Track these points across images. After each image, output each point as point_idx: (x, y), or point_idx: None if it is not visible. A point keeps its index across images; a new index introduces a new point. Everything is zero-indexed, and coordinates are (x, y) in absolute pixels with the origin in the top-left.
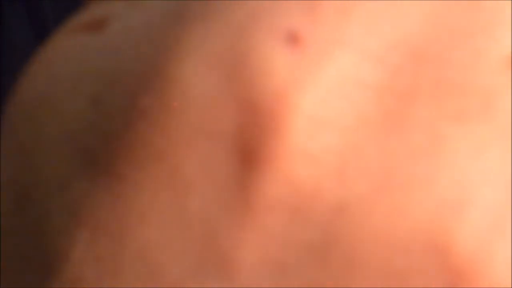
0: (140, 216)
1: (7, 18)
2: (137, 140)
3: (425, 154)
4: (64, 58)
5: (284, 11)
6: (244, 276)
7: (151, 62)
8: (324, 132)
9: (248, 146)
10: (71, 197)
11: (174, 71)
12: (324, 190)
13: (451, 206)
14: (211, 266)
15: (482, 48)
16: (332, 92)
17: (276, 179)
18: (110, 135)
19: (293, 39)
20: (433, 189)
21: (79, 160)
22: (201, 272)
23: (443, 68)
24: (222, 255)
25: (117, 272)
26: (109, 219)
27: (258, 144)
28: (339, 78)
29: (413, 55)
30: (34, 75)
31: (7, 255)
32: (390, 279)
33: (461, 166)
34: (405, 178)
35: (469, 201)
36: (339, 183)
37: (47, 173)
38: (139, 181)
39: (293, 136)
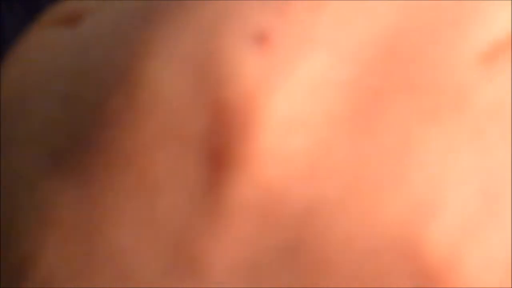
0: (110, 218)
1: (5, 18)
2: (106, 141)
3: (396, 155)
4: (36, 54)
5: (253, 11)
6: (216, 279)
7: (120, 63)
8: (294, 133)
9: (218, 148)
10: (40, 197)
11: (143, 72)
12: (294, 192)
13: (423, 208)
14: (182, 269)
15: (454, 44)
16: (302, 92)
17: (246, 181)
18: (79, 136)
19: (262, 38)
20: (404, 191)
21: (49, 160)
22: (173, 274)
23: (415, 66)
24: (194, 258)
25: (89, 273)
26: (80, 220)
27: (228, 146)
28: (309, 78)
29: (385, 53)
30: (8, 72)
31: None
32: (360, 282)
33: (433, 167)
34: (375, 180)
35: (441, 203)
36: (309, 184)
37: (16, 171)
38: (109, 183)
39: (262, 138)
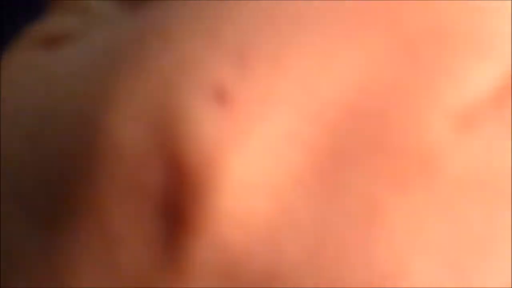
0: (72, 267)
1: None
2: (68, 187)
3: (360, 222)
4: (12, 81)
5: (213, 63)
6: None
7: (83, 105)
8: (253, 195)
9: (176, 207)
10: (6, 240)
11: (104, 120)
12: (254, 255)
13: (385, 278)
14: None
15: (424, 107)
16: (263, 153)
17: (204, 242)
18: (44, 180)
19: (221, 95)
20: (367, 260)
21: (14, 203)
22: None
23: (381, 127)
24: None
25: None
26: (43, 267)
27: (184, 205)
28: (271, 138)
29: (350, 113)
30: None
31: None
32: None
33: (398, 237)
34: (338, 246)
35: (404, 274)
36: (270, 248)
37: None
38: (73, 231)
39: (220, 199)
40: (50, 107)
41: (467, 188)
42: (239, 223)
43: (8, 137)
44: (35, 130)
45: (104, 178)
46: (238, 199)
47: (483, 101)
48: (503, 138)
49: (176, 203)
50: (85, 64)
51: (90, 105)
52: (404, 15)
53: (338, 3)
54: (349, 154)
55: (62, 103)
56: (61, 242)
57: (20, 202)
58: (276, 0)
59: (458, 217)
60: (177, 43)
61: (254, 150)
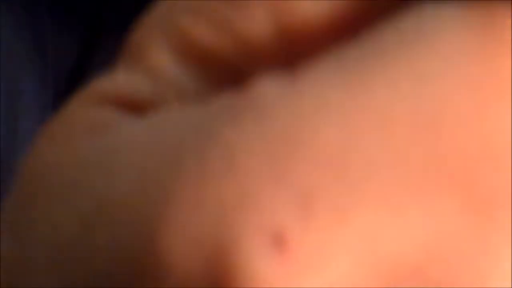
0: None
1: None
2: None
3: None
4: (70, 143)
5: (276, 205)
6: None
7: (144, 212)
8: None
9: None
10: None
11: (160, 239)
12: None
13: None
14: None
15: (487, 273)
16: None
17: None
18: (88, 270)
19: (280, 242)
20: None
21: (53, 277)
22: None
23: None
24: None
25: None
26: None
27: None
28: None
29: (411, 273)
30: (39, 151)
31: None
32: None
33: None
34: None
35: None
36: None
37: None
38: None
39: None
40: (109, 197)
41: None
42: None
43: (60, 211)
44: (90, 218)
45: None
46: None
47: None
48: None
49: None
50: (152, 149)
51: (149, 214)
52: (481, 175)
53: (413, 153)
54: None
55: (123, 199)
56: None
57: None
58: (349, 142)
59: None
60: (241, 172)
61: None
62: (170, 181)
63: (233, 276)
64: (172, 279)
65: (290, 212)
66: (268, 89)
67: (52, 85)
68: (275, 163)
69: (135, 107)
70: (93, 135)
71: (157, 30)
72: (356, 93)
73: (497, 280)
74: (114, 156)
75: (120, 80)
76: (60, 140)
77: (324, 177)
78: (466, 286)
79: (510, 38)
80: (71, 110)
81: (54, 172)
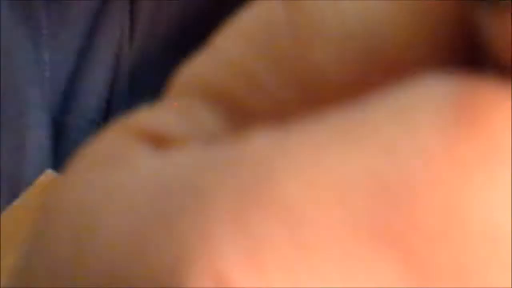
0: None
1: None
2: None
3: None
4: (100, 172)
5: (226, 250)
6: None
7: (165, 267)
8: None
9: None
10: None
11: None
12: None
13: None
14: None
15: None
16: None
17: None
18: None
19: (221, 286)
20: None
21: None
22: None
23: None
24: None
25: None
26: None
27: None
28: None
29: None
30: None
31: None
32: None
33: None
34: None
35: None
36: None
37: None
38: None
39: None
40: (130, 239)
41: None
42: None
43: (86, 247)
44: (121, 267)
45: None
46: None
47: None
48: None
49: None
50: (176, 187)
51: (170, 269)
52: (421, 248)
53: (364, 218)
54: None
55: (144, 242)
56: None
57: None
58: (304, 198)
59: None
60: (207, 213)
61: None
62: (191, 225)
63: None
64: None
65: (237, 260)
66: (257, 141)
67: (52, 85)
68: (237, 211)
69: (159, 141)
70: (111, 167)
71: (192, 85)
72: (323, 154)
73: None
74: (143, 188)
75: (152, 115)
76: (82, 169)
77: (277, 230)
78: None
79: (484, 123)
80: (100, 138)
81: (72, 209)
